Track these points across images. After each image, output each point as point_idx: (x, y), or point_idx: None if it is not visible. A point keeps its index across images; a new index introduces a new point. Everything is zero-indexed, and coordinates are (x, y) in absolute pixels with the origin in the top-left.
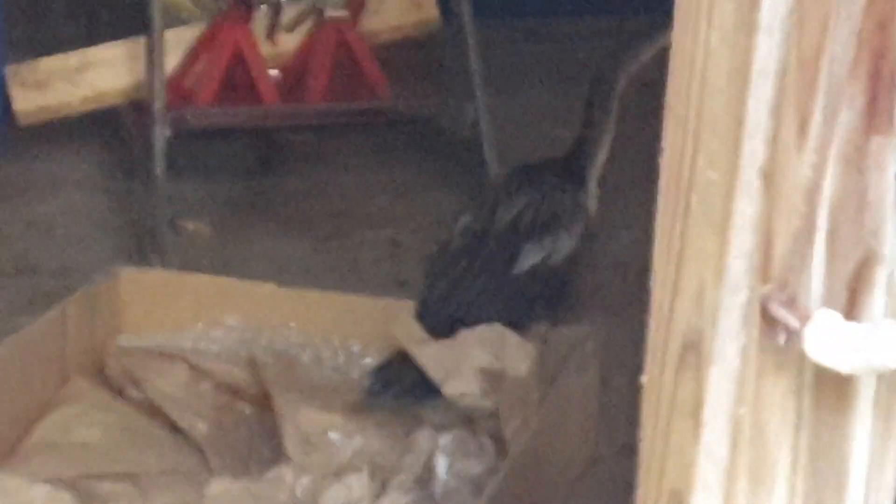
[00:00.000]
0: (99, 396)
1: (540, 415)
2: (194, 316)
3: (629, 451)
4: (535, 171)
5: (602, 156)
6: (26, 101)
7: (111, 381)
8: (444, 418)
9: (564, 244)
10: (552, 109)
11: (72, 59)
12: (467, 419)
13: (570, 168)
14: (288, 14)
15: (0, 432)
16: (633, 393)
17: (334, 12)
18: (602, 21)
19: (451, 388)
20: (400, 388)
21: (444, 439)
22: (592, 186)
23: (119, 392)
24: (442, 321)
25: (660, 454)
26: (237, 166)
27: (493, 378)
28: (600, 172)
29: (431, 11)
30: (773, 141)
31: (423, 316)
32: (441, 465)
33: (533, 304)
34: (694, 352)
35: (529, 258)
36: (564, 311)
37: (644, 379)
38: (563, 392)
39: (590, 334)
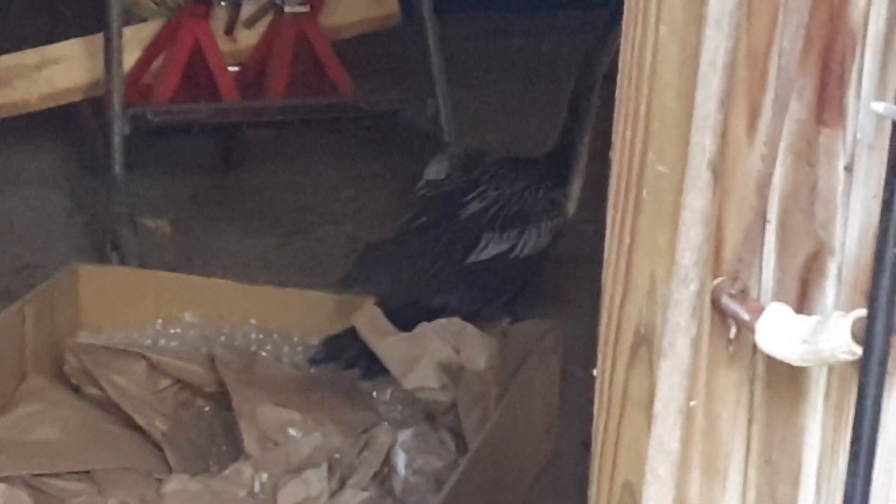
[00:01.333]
0: (57, 394)
1: (500, 409)
2: (154, 313)
3: (590, 446)
4: (516, 166)
5: (585, 157)
6: None
7: (70, 378)
8: (404, 414)
9: (532, 240)
10: (514, 104)
11: (31, 56)
12: (427, 415)
13: (553, 167)
14: (247, 10)
15: None
16: (593, 388)
17: (294, 7)
18: (562, 16)
19: (409, 382)
20: (344, 360)
21: (403, 435)
22: (575, 188)
23: (78, 389)
24: (400, 304)
25: (612, 448)
26: (198, 163)
27: (453, 372)
28: (583, 174)
29: (392, 6)
30: (723, 134)
31: (382, 299)
32: (400, 460)
33: (491, 293)
34: (646, 345)
35: (490, 248)
36: (524, 304)
37: (596, 372)
38: (523, 386)
39: (551, 328)
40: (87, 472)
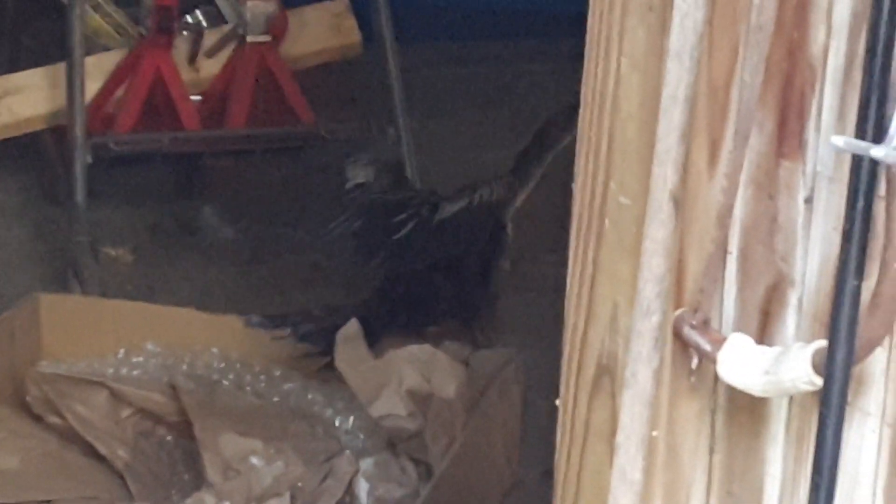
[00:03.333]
0: (19, 423)
1: (461, 438)
2: (115, 342)
3: (551, 475)
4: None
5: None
6: None
7: (31, 407)
8: (366, 442)
9: (486, 193)
10: (474, 131)
11: None
12: (389, 443)
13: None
14: (209, 39)
15: None
16: (556, 417)
17: (255, 37)
18: (522, 44)
19: (376, 410)
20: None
21: (366, 464)
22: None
23: (39, 419)
24: (377, 270)
25: (575, 477)
26: (159, 191)
27: (422, 399)
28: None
29: (353, 36)
30: (685, 166)
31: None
32: (362, 489)
33: (465, 241)
34: (608, 376)
35: (450, 207)
36: (487, 331)
37: (559, 403)
38: (485, 415)
39: (513, 357)
40: (49, 501)
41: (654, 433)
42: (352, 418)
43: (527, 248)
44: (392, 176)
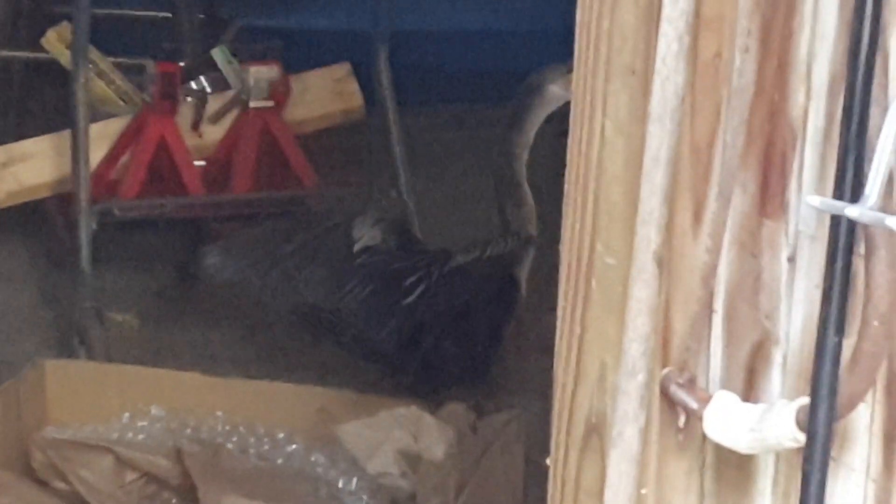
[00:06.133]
0: (25, 489)
1: (462, 498)
2: (120, 406)
3: None
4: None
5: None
6: None
7: (37, 473)
8: (369, 503)
9: (498, 246)
10: (476, 194)
11: None
12: (391, 503)
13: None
14: (213, 105)
15: None
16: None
17: (258, 102)
18: None
19: (373, 467)
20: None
21: None
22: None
23: (45, 484)
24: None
25: None
26: (164, 257)
27: (412, 460)
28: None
29: (355, 100)
30: (668, 227)
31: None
32: None
33: (473, 289)
34: (597, 434)
35: (462, 258)
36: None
37: (549, 461)
38: (487, 475)
39: (514, 417)
40: None
41: (644, 491)
42: (355, 479)
43: (530, 306)
44: (399, 237)
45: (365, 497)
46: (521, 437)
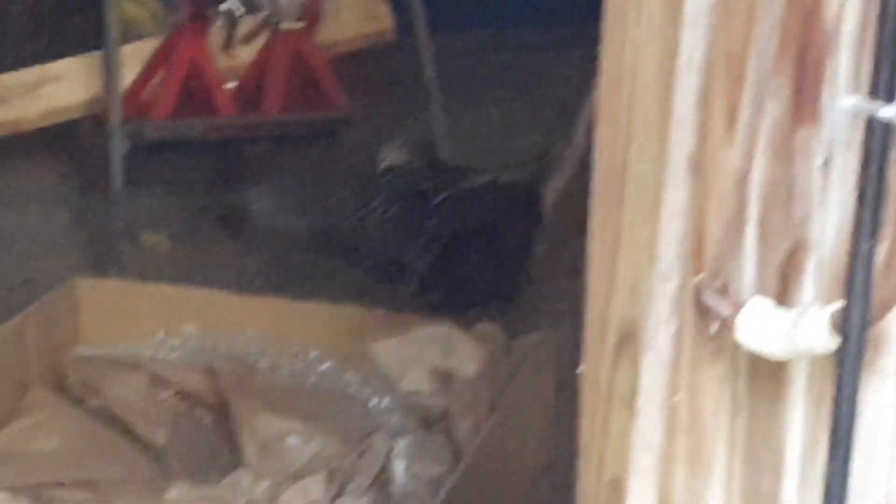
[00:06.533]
0: (58, 406)
1: (495, 417)
2: (153, 325)
3: None
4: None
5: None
6: None
7: (70, 390)
8: (401, 421)
9: (510, 173)
10: (508, 119)
11: (30, 74)
12: (424, 421)
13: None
14: (244, 27)
15: None
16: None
17: (290, 24)
18: (556, 32)
19: (405, 386)
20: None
21: (401, 442)
22: (553, 184)
23: (78, 401)
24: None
25: (599, 444)
26: (196, 179)
27: (444, 378)
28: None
29: (386, 22)
30: (701, 132)
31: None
32: (398, 467)
33: (494, 210)
34: (630, 342)
35: (476, 179)
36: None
37: (581, 370)
38: (518, 394)
39: (546, 338)
40: (89, 481)
41: (676, 398)
42: (387, 398)
43: (562, 233)
44: (426, 158)
45: (397, 415)
46: (554, 358)
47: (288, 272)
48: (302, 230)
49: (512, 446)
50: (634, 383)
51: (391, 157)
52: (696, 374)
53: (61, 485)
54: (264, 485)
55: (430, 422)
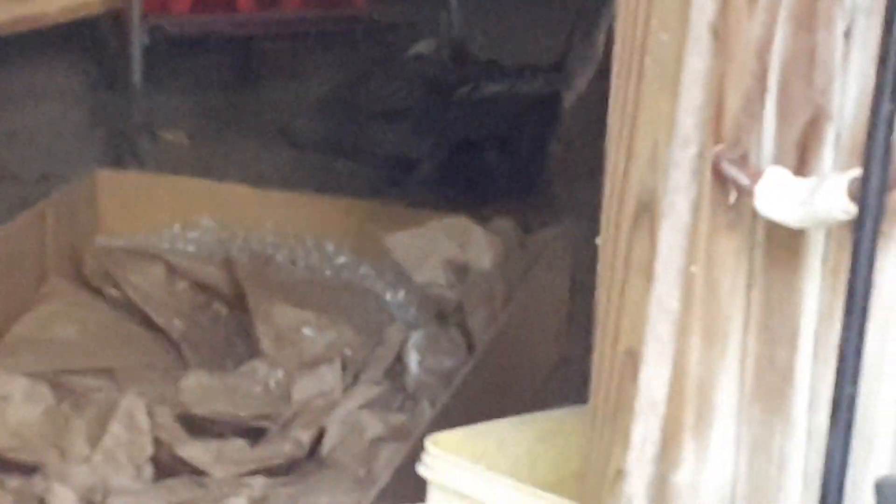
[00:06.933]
0: (77, 295)
1: (509, 310)
2: (171, 217)
3: None
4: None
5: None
6: (4, 12)
7: (89, 280)
8: (415, 315)
9: (528, 83)
10: (527, 20)
11: None
12: (438, 315)
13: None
14: None
15: None
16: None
17: None
18: None
19: (420, 277)
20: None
21: (415, 335)
22: (576, 81)
23: (96, 291)
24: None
25: (615, 315)
26: (215, 78)
27: (459, 270)
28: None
29: None
30: (724, 1)
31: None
32: (412, 359)
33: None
34: (648, 213)
35: (494, 87)
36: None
37: (599, 241)
38: (532, 289)
39: (561, 233)
40: (107, 369)
41: (693, 269)
42: (402, 291)
43: (580, 135)
44: (453, 50)
45: (412, 309)
46: (569, 252)
47: (306, 169)
48: (320, 128)
49: (524, 341)
50: (651, 252)
51: (420, 45)
52: (713, 245)
53: (79, 372)
54: (280, 373)
55: (444, 315)
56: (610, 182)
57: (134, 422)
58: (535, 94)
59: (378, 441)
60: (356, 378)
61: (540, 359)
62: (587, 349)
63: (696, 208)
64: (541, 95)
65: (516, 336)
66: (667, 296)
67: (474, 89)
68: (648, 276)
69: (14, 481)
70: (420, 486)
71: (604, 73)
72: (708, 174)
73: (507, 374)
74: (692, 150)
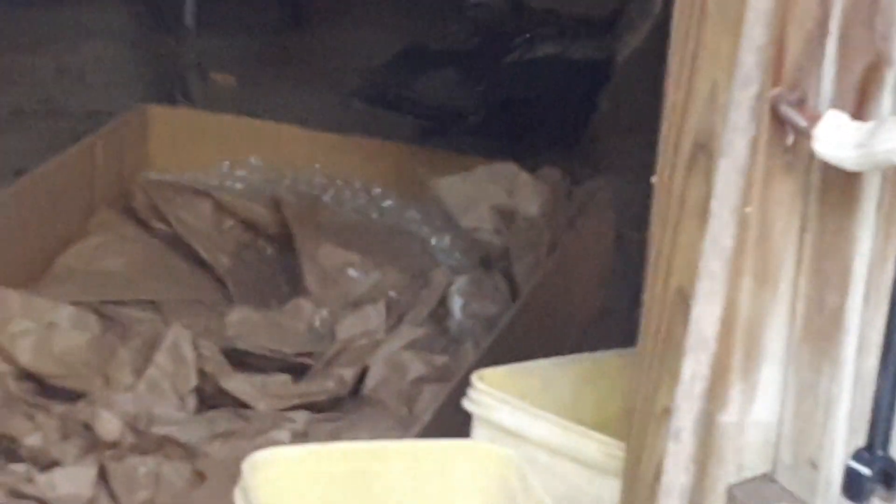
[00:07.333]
0: (125, 227)
1: (554, 256)
2: (220, 155)
3: (640, 305)
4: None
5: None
6: None
7: (137, 213)
8: (460, 261)
9: (580, 47)
10: None
11: None
12: (482, 261)
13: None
14: None
15: (28, 258)
16: (646, 250)
17: None
18: None
19: (467, 222)
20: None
21: (460, 281)
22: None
23: (144, 224)
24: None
25: (668, 254)
26: (264, 21)
27: (506, 216)
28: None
29: None
30: None
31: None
32: (455, 304)
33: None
34: (704, 152)
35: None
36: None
37: (655, 180)
38: (577, 238)
39: (606, 185)
40: (152, 302)
41: (747, 209)
42: (447, 237)
43: (628, 92)
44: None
45: (457, 254)
46: (613, 206)
47: (352, 116)
48: (370, 74)
49: (567, 289)
50: (707, 194)
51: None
52: (769, 187)
53: (124, 303)
54: (324, 312)
55: (488, 260)
56: (667, 122)
57: (179, 353)
58: (588, 58)
59: (420, 381)
60: (400, 319)
61: (582, 308)
62: (628, 300)
63: (753, 149)
64: (593, 60)
65: (559, 284)
66: (721, 234)
67: (527, 50)
68: (703, 215)
69: (59, 407)
70: (461, 425)
71: (659, 28)
72: (766, 115)
73: (549, 322)
74: (752, 89)
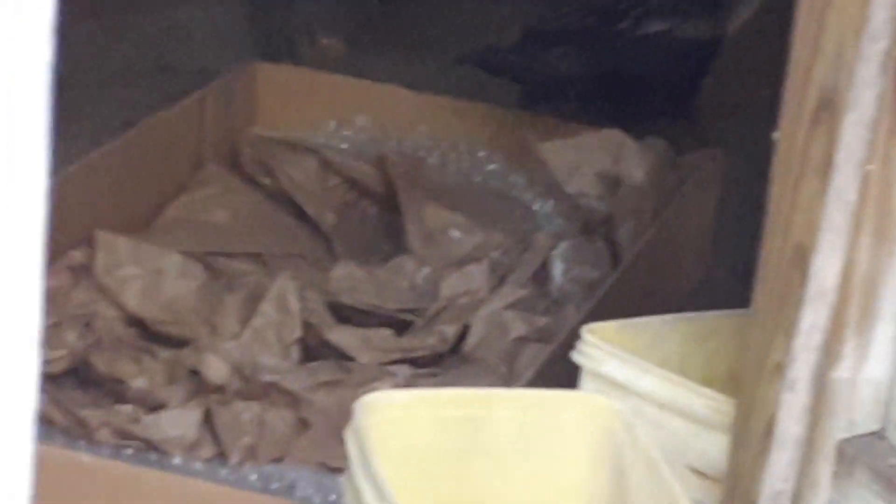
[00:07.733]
0: (231, 181)
1: (657, 224)
2: (326, 114)
3: (741, 276)
4: None
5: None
6: None
7: (244, 168)
8: (563, 226)
9: (690, 27)
10: None
11: None
12: (585, 227)
13: None
14: None
15: (137, 208)
16: (750, 222)
17: None
18: None
19: (571, 187)
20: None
21: (562, 245)
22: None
23: (251, 179)
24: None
25: (787, 210)
26: None
27: (610, 183)
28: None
29: None
30: None
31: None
32: (557, 268)
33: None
34: (829, 109)
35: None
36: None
37: (777, 136)
38: (681, 207)
39: (713, 155)
40: (257, 255)
41: (869, 167)
42: (551, 202)
43: (737, 68)
44: None
45: (559, 220)
46: (719, 177)
47: (458, 83)
48: (514, 54)
49: (669, 258)
50: (829, 152)
51: None
52: (892, 145)
53: (229, 255)
54: (427, 270)
55: (590, 226)
56: (793, 78)
57: (284, 303)
58: (695, 38)
59: (521, 341)
60: (502, 280)
61: (683, 277)
62: (729, 272)
63: (880, 104)
64: (701, 40)
65: (662, 252)
66: (845, 188)
67: (636, 24)
68: (825, 172)
69: (165, 353)
70: (562, 386)
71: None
72: (894, 71)
73: (651, 289)
74: (881, 44)
